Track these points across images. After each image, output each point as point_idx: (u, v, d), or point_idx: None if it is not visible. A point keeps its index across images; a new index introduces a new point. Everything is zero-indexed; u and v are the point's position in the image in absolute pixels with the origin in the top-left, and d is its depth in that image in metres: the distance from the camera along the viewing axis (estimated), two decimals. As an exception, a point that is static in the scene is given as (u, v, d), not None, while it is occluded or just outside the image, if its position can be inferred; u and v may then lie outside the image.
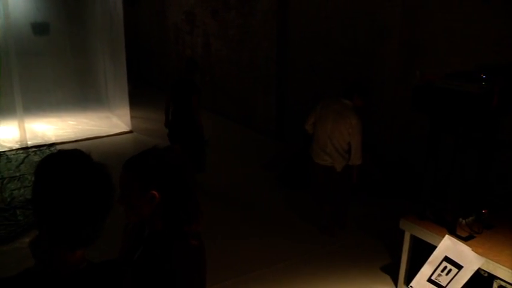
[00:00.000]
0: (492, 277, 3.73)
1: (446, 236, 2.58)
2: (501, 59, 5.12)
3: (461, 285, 2.50)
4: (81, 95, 10.34)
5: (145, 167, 1.86)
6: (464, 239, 3.77)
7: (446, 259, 2.55)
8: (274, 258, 4.86)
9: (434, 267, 2.60)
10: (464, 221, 3.93)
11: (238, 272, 4.59)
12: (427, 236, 3.90)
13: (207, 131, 6.59)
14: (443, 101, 3.66)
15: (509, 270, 3.44)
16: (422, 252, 3.86)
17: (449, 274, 2.54)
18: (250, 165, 7.50)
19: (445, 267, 2.56)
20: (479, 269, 3.60)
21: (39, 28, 9.98)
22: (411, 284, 2.72)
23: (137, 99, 10.52)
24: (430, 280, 2.62)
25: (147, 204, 1.85)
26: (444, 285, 2.56)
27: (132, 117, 9.27)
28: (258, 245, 5.11)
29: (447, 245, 2.56)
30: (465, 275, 2.49)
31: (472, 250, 2.46)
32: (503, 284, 3.69)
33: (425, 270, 2.63)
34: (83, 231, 1.44)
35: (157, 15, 12.58)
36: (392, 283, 4.48)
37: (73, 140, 8.47)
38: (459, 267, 2.50)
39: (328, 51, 7.56)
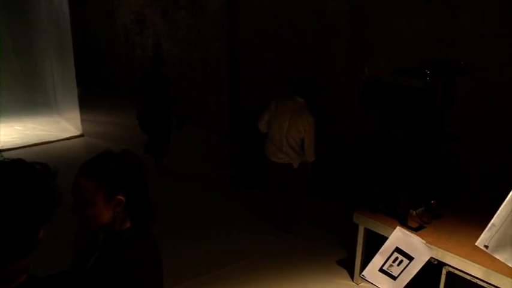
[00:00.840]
0: (441, 264, 3.89)
1: (398, 227, 2.66)
2: (444, 55, 5.34)
3: (413, 275, 2.58)
4: (27, 98, 10.00)
5: (108, 173, 1.79)
6: (414, 230, 3.90)
7: (398, 250, 2.63)
8: (231, 257, 4.86)
9: (386, 257, 2.67)
10: (414, 212, 4.07)
11: (195, 274, 4.56)
12: (380, 229, 4.01)
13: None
14: (390, 96, 3.78)
15: (457, 257, 3.59)
16: (377, 245, 3.97)
17: (401, 265, 2.62)
18: (203, 166, 7.49)
19: (397, 258, 2.64)
20: (430, 257, 3.75)
21: (-20, 30, 9.58)
22: (363, 273, 2.79)
23: (87, 102, 10.28)
24: (381, 270, 2.69)
25: (111, 210, 1.79)
26: (396, 275, 2.64)
27: (82, 120, 9.04)
28: (215, 246, 5.10)
29: (398, 236, 2.64)
30: (416, 266, 2.58)
31: (423, 241, 2.54)
32: (451, 270, 3.85)
33: (377, 261, 2.70)
34: (13, 243, 1.34)
35: (106, 15, 12.33)
36: (348, 276, 4.57)
37: (20, 146, 8.17)
38: (410, 258, 2.58)
39: (279, 50, 7.64)
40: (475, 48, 5.22)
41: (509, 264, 2.51)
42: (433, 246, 3.69)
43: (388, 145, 4.06)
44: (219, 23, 8.56)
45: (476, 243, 2.54)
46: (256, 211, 5.91)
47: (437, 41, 5.54)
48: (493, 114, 5.18)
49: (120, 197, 1.80)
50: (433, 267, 3.95)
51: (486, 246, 2.53)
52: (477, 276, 3.56)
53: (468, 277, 3.74)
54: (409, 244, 2.59)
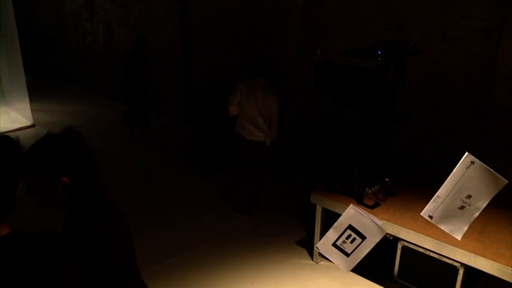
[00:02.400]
0: (397, 239, 4.01)
1: (351, 205, 2.71)
2: (395, 36, 5.44)
3: (365, 254, 2.64)
4: (-28, 89, 9.53)
5: (49, 157, 1.83)
6: (370, 207, 4.00)
7: (351, 228, 2.67)
8: (191, 242, 4.85)
9: (339, 233, 2.72)
10: (370, 190, 4.17)
11: (156, 261, 4.53)
12: (337, 208, 4.09)
13: (113, 121, 6.36)
14: (343, 77, 3.83)
15: (411, 231, 3.72)
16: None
17: (354, 243, 2.67)
18: (160, 152, 7.39)
19: (350, 235, 2.69)
20: (386, 233, 3.85)
21: None
22: (317, 245, 2.83)
23: (38, 91, 9.92)
24: (335, 245, 2.74)
25: (59, 190, 1.84)
26: (349, 252, 2.69)
27: (33, 110, 8.72)
28: (175, 232, 5.07)
29: (351, 214, 2.68)
30: (368, 246, 2.63)
31: (375, 222, 2.60)
32: (406, 244, 3.98)
33: (330, 235, 2.75)
34: None
35: (53, 0, 11.86)
36: (308, 255, 4.65)
37: (-33, 138, 7.80)
38: (363, 237, 2.64)
39: (232, 33, 7.58)
40: (424, 29, 5.34)
41: (454, 235, 2.60)
42: (388, 222, 3.80)
43: (342, 125, 4.12)
44: (171, 6, 8.39)
45: (421, 213, 2.63)
46: (216, 195, 5.90)
47: (388, 22, 5.63)
48: (442, 93, 5.34)
49: (64, 179, 1.83)
50: (389, 242, 4.07)
51: (430, 217, 2.61)
52: (430, 248, 3.69)
53: (422, 250, 3.89)
54: (362, 223, 2.64)
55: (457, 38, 5.12)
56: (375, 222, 2.63)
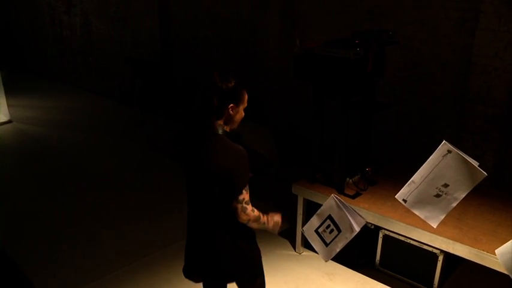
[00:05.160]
0: (378, 228, 4.06)
1: (332, 195, 2.72)
2: (373, 26, 5.47)
3: (340, 248, 2.66)
4: None
5: None
6: (351, 197, 4.04)
7: (330, 218, 2.69)
8: (176, 236, 4.80)
9: (321, 221, 2.74)
10: (351, 180, 4.20)
11: (141, 254, 4.51)
12: (318, 198, 4.11)
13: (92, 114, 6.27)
14: (322, 68, 3.84)
15: (391, 220, 3.76)
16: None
17: (332, 233, 2.69)
18: (144, 146, 7.34)
19: (329, 226, 2.70)
20: (367, 222, 3.89)
21: None
22: (303, 228, 2.85)
23: (14, 86, 9.79)
24: (317, 232, 2.76)
25: None
26: (328, 241, 2.71)
27: (9, 106, 8.57)
28: (159, 226, 5.05)
29: (331, 205, 2.70)
30: (342, 240, 2.65)
31: (350, 218, 2.61)
32: (387, 232, 4.03)
33: (314, 221, 2.77)
34: None
35: (27, -6, 11.66)
36: (291, 246, 4.67)
37: None
38: (339, 230, 2.66)
39: (211, 26, 7.54)
40: (402, 20, 5.38)
41: (430, 223, 2.64)
42: (369, 212, 3.84)
43: (322, 116, 4.14)
44: (149, -1, 8.32)
45: (395, 196, 2.66)
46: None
47: (366, 12, 5.65)
48: (421, 83, 5.39)
49: None
50: (370, 231, 4.12)
51: (405, 200, 2.65)
52: (410, 236, 3.75)
53: (402, 238, 3.94)
54: (340, 216, 2.66)
55: (434, 28, 5.17)
56: (350, 219, 2.65)
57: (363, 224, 2.67)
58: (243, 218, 2.49)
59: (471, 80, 4.80)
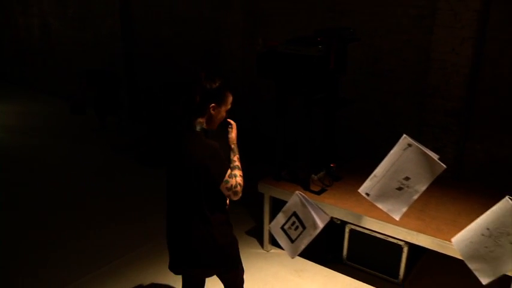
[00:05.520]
0: (344, 223, 4.12)
1: (297, 192, 2.75)
2: (335, 24, 5.54)
3: (305, 244, 2.69)
4: None
5: None
6: (317, 193, 4.08)
7: (295, 215, 2.72)
8: (142, 240, 4.77)
9: (286, 218, 2.77)
10: (316, 176, 4.25)
11: (107, 259, 4.43)
12: (284, 196, 4.13)
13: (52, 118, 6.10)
14: (285, 66, 3.86)
15: (357, 214, 3.82)
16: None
17: (297, 230, 2.72)
18: (107, 149, 7.22)
19: (294, 222, 2.73)
20: (332, 217, 3.94)
21: None
22: (270, 225, 2.87)
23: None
24: (282, 229, 2.79)
25: None
26: (293, 238, 2.74)
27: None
28: (124, 230, 4.97)
29: (296, 202, 2.73)
30: (306, 236, 2.68)
31: (314, 214, 2.65)
32: (353, 227, 4.10)
33: (279, 218, 2.80)
34: None
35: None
36: (258, 245, 4.69)
37: None
38: (304, 227, 2.69)
39: (174, 25, 7.48)
40: (363, 17, 5.46)
41: (392, 215, 2.71)
42: (335, 207, 3.89)
43: (285, 114, 4.16)
44: (109, -1, 8.18)
45: (358, 190, 2.71)
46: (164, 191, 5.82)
47: (328, 10, 5.72)
48: (383, 79, 5.49)
49: None
50: (337, 226, 4.18)
51: (368, 194, 2.71)
52: (375, 229, 3.82)
53: (368, 231, 4.01)
54: (304, 213, 2.69)
55: (394, 25, 5.28)
56: (313, 215, 2.68)
57: (327, 220, 2.70)
58: (236, 198, 2.65)
59: (430, 75, 4.93)
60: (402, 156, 2.58)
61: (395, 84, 5.40)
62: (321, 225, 2.62)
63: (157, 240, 4.79)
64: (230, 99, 2.66)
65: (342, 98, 4.47)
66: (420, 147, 2.55)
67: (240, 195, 2.66)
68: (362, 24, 5.43)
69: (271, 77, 4.02)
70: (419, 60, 5.15)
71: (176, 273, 2.90)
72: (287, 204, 2.78)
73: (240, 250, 4.54)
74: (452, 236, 3.43)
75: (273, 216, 4.25)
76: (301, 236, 2.71)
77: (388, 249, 4.01)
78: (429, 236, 3.53)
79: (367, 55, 5.52)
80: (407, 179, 2.59)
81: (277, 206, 4.18)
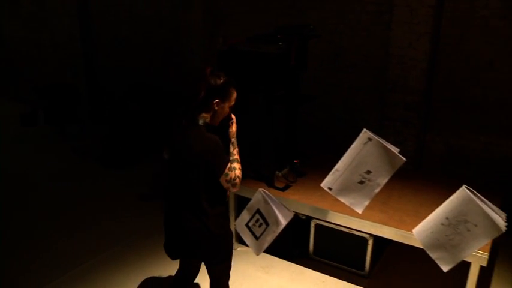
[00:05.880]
0: (309, 218, 4.15)
1: (260, 189, 2.75)
2: (295, 21, 5.57)
3: (269, 241, 2.70)
4: None
5: None
6: (281, 190, 4.09)
7: (259, 212, 2.73)
8: (107, 243, 4.68)
9: (250, 215, 2.77)
10: (280, 173, 4.26)
11: (72, 265, 4.33)
12: (248, 193, 4.11)
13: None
14: (246, 64, 3.85)
15: (321, 209, 3.86)
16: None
17: (261, 227, 2.73)
18: (68, 152, 7.06)
19: (258, 220, 2.74)
20: (297, 213, 3.96)
21: None
22: (235, 223, 2.87)
23: None
24: (247, 226, 2.79)
25: None
26: (258, 235, 2.75)
27: None
28: (87, 235, 4.87)
29: (259, 199, 2.74)
30: (270, 233, 2.69)
31: (276, 211, 2.65)
32: (318, 222, 4.13)
33: (244, 215, 2.80)
34: None
35: None
36: (225, 243, 4.67)
37: None
38: (267, 224, 2.70)
39: (133, 24, 7.37)
40: (323, 13, 5.52)
41: (355, 209, 2.75)
42: (299, 202, 3.91)
43: (248, 111, 4.15)
44: (66, -2, 7.99)
45: (321, 185, 2.74)
46: (127, 192, 5.75)
47: (288, 7, 5.74)
48: (343, 74, 5.57)
49: None
50: (302, 222, 4.21)
51: (330, 188, 2.74)
52: (340, 223, 3.86)
53: (333, 226, 4.06)
54: (267, 210, 2.70)
55: (353, 21, 5.35)
56: (276, 212, 2.69)
57: (290, 217, 2.71)
58: (235, 190, 2.74)
59: (390, 70, 5.02)
60: (363, 150, 2.61)
61: (356, 80, 5.48)
62: (283, 222, 2.63)
63: (128, 241, 4.74)
64: (234, 95, 2.72)
65: (303, 94, 4.49)
66: (380, 141, 2.59)
67: (238, 187, 2.73)
68: (322, 21, 5.49)
69: (232, 75, 4.00)
70: (379, 55, 5.24)
71: (173, 259, 2.98)
72: (251, 202, 2.78)
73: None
74: (415, 226, 3.53)
75: (238, 214, 4.25)
76: (265, 232, 2.71)
77: (354, 242, 4.06)
78: (393, 228, 3.59)
79: (328, 51, 5.58)
80: (368, 172, 2.63)
81: (243, 204, 4.19)
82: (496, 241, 2.45)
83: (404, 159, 2.57)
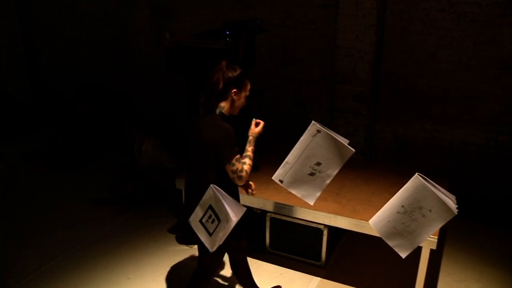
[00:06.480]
0: (265, 212, 4.16)
1: (211, 185, 2.74)
2: (243, 16, 5.56)
3: (222, 237, 2.69)
4: None
5: None
6: (236, 185, 4.08)
7: (211, 208, 2.71)
8: (60, 248, 4.55)
9: (204, 211, 2.75)
10: (233, 168, 4.24)
11: (25, 272, 4.18)
12: (204, 190, 4.11)
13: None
14: (193, 60, 3.82)
15: (276, 202, 3.89)
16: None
17: (213, 223, 2.71)
18: (13, 156, 6.79)
19: (211, 216, 2.72)
20: (252, 207, 3.97)
21: None
22: (189, 219, 2.84)
23: None
24: (201, 222, 2.77)
25: None
26: (211, 231, 2.73)
27: None
28: (40, 240, 4.71)
29: (210, 195, 2.72)
30: (221, 229, 2.67)
31: (227, 207, 2.64)
32: (273, 215, 4.15)
33: (198, 211, 2.78)
34: None
35: None
36: (182, 241, 4.64)
37: None
38: (219, 220, 2.69)
39: (78, 23, 7.16)
40: (270, 8, 5.53)
41: (307, 201, 2.77)
42: (254, 197, 3.91)
43: (198, 108, 4.12)
44: (4, -4, 7.64)
45: (272, 178, 2.76)
46: (78, 196, 5.59)
47: (236, 2, 5.73)
48: (293, 68, 5.61)
49: None
50: (258, 216, 4.22)
51: (281, 181, 2.76)
52: (295, 216, 3.90)
53: (288, 219, 4.09)
54: (219, 206, 2.69)
55: (300, 15, 5.40)
56: (227, 208, 2.68)
57: (242, 213, 2.71)
58: (240, 183, 2.86)
59: (338, 62, 5.10)
60: (312, 142, 2.64)
61: (306, 73, 5.54)
62: (234, 218, 2.62)
63: (80, 245, 4.61)
64: (249, 86, 2.99)
65: (253, 88, 4.48)
66: (329, 132, 2.61)
67: (245, 182, 2.87)
68: (270, 14, 5.51)
69: (181, 72, 3.97)
70: (327, 48, 5.31)
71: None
72: (203, 198, 2.76)
73: (163, 248, 4.50)
74: (368, 215, 3.59)
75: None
76: (217, 229, 2.70)
77: (309, 233, 4.11)
78: (346, 218, 3.66)
79: (276, 45, 5.61)
80: (318, 164, 2.65)
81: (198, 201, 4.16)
82: (444, 225, 2.53)
83: (353, 150, 2.61)
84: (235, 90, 2.87)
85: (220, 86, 2.82)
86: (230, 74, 2.84)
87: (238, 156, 2.82)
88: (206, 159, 2.83)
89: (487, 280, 4.04)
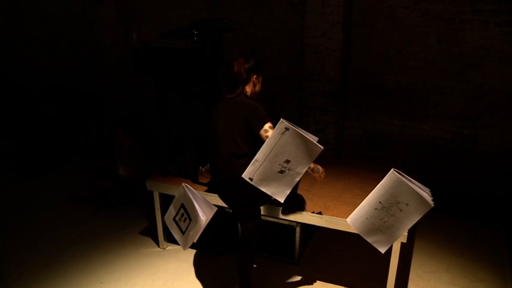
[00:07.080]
0: (236, 212, 4.14)
1: (183, 184, 2.72)
2: (211, 15, 5.53)
3: (194, 236, 2.68)
4: None
5: None
6: (206, 185, 4.07)
7: (183, 207, 2.70)
8: (29, 253, 4.45)
9: (176, 210, 2.74)
10: (203, 168, 4.23)
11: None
12: (173, 191, 4.03)
13: None
14: (161, 60, 3.78)
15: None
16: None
17: (186, 222, 2.70)
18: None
19: (183, 214, 2.71)
20: (224, 207, 3.95)
21: None
22: (164, 217, 2.83)
23: None
24: (174, 220, 2.76)
25: None
26: (183, 230, 2.73)
27: None
28: (8, 246, 4.60)
29: (182, 194, 2.71)
30: (193, 228, 2.67)
31: (197, 207, 2.64)
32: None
33: (171, 210, 2.78)
34: None
35: None
36: (154, 243, 4.59)
37: None
38: (190, 218, 2.68)
39: (43, 23, 7.00)
40: (237, 6, 5.52)
41: (277, 198, 2.79)
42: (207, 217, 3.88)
43: (166, 108, 4.09)
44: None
45: (242, 176, 2.76)
46: (47, 199, 5.48)
47: (203, 1, 5.70)
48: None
49: None
50: (230, 216, 4.21)
51: (251, 179, 2.77)
52: (267, 214, 3.90)
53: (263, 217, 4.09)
54: (190, 205, 2.68)
55: (267, 13, 5.40)
56: (197, 207, 2.67)
57: (212, 212, 2.70)
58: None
59: (306, 59, 5.13)
60: (281, 140, 2.65)
61: (274, 71, 5.55)
62: (203, 217, 2.62)
63: (51, 250, 4.52)
64: (262, 71, 3.47)
65: (221, 87, 4.47)
66: (297, 130, 2.63)
67: None
68: (237, 13, 5.49)
69: (148, 72, 3.92)
70: (295, 46, 5.33)
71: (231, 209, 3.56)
72: (175, 197, 2.75)
73: (135, 250, 4.46)
74: (339, 211, 3.63)
75: (165, 213, 4.18)
76: (189, 227, 2.69)
77: (282, 231, 4.12)
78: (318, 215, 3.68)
79: (244, 44, 5.60)
80: (287, 162, 2.67)
81: (170, 202, 4.13)
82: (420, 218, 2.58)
83: (322, 147, 2.63)
84: (255, 75, 3.34)
85: (244, 73, 3.27)
86: (249, 63, 3.31)
87: (271, 124, 3.10)
88: (238, 137, 3.15)
89: (456, 269, 4.13)
